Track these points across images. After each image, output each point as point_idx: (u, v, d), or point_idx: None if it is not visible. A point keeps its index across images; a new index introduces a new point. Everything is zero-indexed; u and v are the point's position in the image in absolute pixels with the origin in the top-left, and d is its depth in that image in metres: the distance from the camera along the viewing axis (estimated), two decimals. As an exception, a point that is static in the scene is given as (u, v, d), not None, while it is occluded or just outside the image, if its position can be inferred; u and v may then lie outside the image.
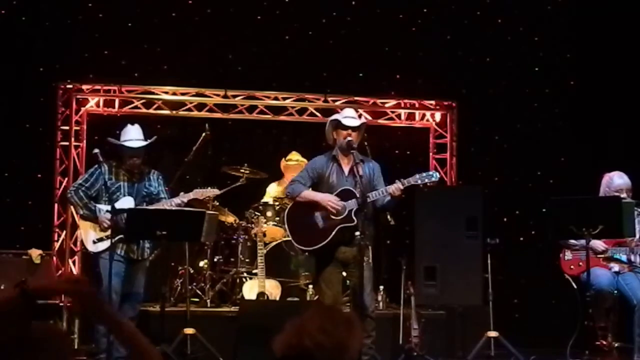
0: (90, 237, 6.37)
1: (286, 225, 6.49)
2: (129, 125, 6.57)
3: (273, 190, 8.49)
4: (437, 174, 6.27)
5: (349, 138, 6.18)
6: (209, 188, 6.78)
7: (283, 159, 8.58)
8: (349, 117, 6.35)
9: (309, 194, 6.27)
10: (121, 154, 6.47)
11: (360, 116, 6.79)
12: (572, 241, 6.57)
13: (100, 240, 6.31)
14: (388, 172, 6.40)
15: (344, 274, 6.32)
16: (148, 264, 6.59)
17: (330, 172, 6.29)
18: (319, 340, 2.45)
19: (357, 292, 6.06)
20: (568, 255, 6.73)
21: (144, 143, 6.46)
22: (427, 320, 7.15)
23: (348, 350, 2.49)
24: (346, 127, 6.22)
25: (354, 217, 6.07)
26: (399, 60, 9.14)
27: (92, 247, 6.37)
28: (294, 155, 8.51)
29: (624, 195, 6.55)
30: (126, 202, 6.32)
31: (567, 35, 9.16)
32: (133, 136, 6.47)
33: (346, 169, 6.28)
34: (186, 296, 7.32)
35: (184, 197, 6.49)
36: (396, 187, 6.05)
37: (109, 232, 6.22)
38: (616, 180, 6.69)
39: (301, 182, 6.32)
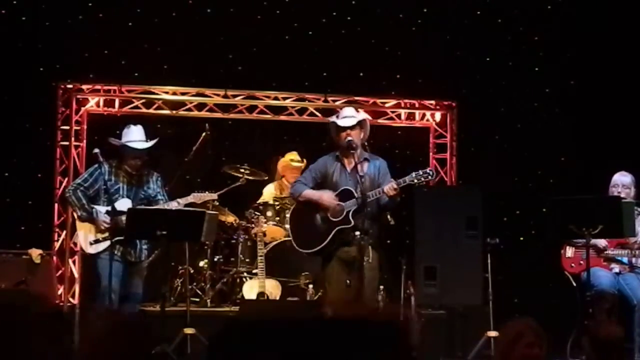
0: (87, 238, 6.33)
1: (289, 227, 6.53)
2: (131, 126, 6.48)
3: (269, 192, 8.47)
4: (433, 170, 6.25)
5: (349, 138, 6.17)
6: (207, 192, 6.73)
7: (281, 159, 8.54)
8: (346, 117, 6.32)
9: (309, 193, 6.28)
10: (122, 155, 6.41)
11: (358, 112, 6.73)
12: (575, 237, 6.57)
13: (97, 241, 6.26)
14: (388, 172, 6.39)
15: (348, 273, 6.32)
16: (146, 265, 6.56)
17: (333, 172, 6.30)
18: None
19: (357, 293, 6.05)
20: (569, 252, 6.73)
21: (147, 145, 6.40)
22: (427, 320, 7.14)
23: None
24: (344, 129, 6.22)
25: (351, 219, 6.08)
26: (399, 60, 9.13)
27: (88, 249, 6.34)
28: (294, 156, 8.50)
29: (618, 190, 6.58)
30: (124, 204, 6.27)
31: (567, 35, 9.15)
32: (136, 137, 6.40)
33: (349, 168, 6.28)
34: (186, 296, 7.31)
35: (181, 201, 6.47)
36: (390, 186, 6.02)
37: (106, 234, 6.20)
38: (614, 177, 6.75)
39: (303, 183, 6.36)
